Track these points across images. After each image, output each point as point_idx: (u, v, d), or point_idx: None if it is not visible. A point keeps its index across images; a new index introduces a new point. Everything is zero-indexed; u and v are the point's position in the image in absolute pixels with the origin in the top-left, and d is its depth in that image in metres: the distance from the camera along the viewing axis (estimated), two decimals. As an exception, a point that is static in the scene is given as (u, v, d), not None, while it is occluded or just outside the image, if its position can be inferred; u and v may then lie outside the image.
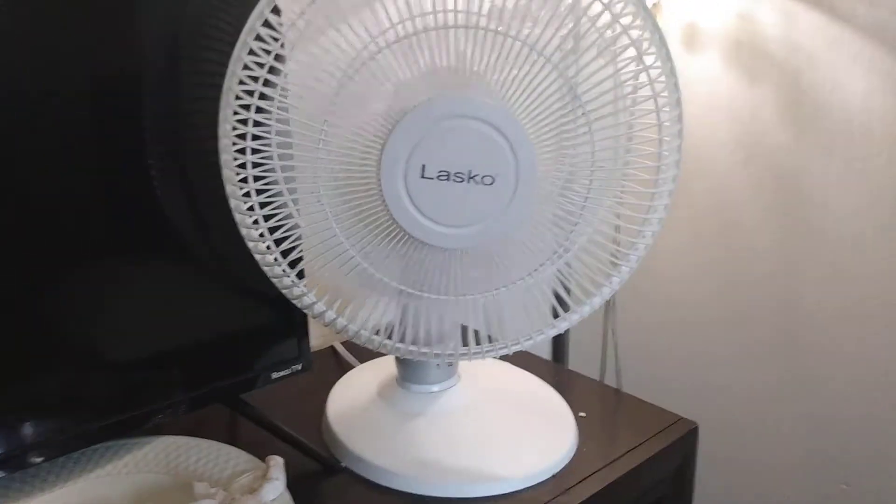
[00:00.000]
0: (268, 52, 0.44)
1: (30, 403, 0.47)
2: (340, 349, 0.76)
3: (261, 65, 0.44)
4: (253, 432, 0.58)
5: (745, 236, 0.88)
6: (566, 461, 0.57)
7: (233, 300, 0.55)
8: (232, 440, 0.55)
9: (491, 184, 0.46)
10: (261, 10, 0.44)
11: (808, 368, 0.86)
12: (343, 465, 0.56)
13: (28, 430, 0.46)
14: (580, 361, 1.05)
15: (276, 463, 0.49)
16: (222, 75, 0.45)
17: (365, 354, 0.72)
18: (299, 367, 0.59)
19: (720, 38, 0.83)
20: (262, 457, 0.52)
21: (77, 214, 0.47)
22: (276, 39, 0.44)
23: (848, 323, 0.81)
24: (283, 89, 0.45)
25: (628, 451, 0.59)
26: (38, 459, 0.47)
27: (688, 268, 0.95)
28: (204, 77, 0.49)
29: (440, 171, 0.45)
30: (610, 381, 1.05)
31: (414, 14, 0.44)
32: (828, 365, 0.84)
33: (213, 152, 0.47)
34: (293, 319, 0.58)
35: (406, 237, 0.47)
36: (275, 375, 0.57)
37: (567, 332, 1.01)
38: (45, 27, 0.43)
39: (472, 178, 0.45)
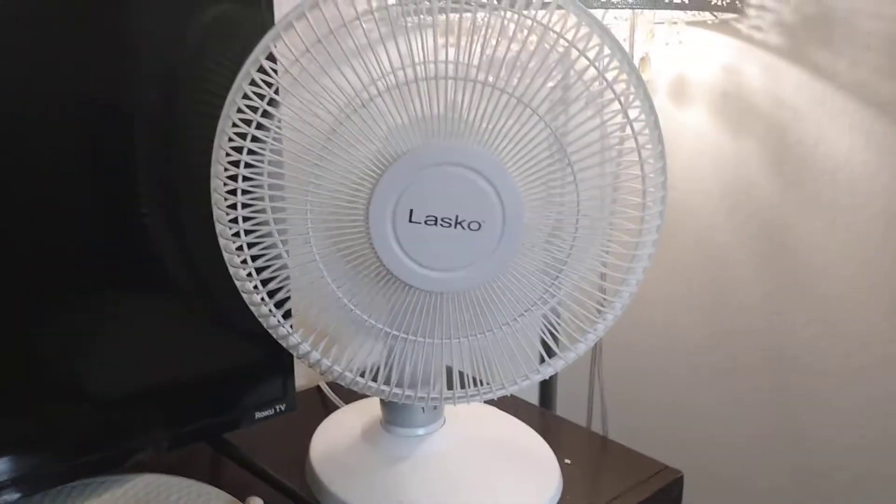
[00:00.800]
0: (261, 97, 0.45)
1: (9, 438, 0.46)
2: (326, 390, 0.76)
3: (254, 109, 0.45)
4: (236, 472, 0.58)
5: (732, 285, 0.89)
6: (550, 509, 0.57)
7: (218, 339, 0.55)
8: (214, 480, 0.54)
9: (478, 230, 0.46)
10: (256, 56, 0.45)
11: (794, 420, 0.85)
12: (324, 508, 0.56)
13: (6, 465, 0.46)
14: (568, 407, 1.04)
15: (256, 505, 0.48)
16: (216, 116, 0.46)
17: (350, 395, 0.72)
18: (283, 407, 0.58)
19: (707, 90, 0.86)
20: (243, 497, 0.51)
21: (61, 250, 0.47)
22: (269, 85, 0.45)
23: (835, 375, 0.81)
24: (275, 132, 0.46)
25: (612, 500, 0.58)
26: (15, 496, 0.47)
27: (675, 317, 0.95)
28: (199, 117, 0.50)
29: (428, 216, 0.46)
30: (597, 427, 1.04)
31: (407, 64, 0.45)
32: (814, 417, 0.84)
33: (204, 191, 0.48)
34: (279, 359, 0.58)
35: (393, 280, 0.48)
36: (259, 415, 0.57)
37: (555, 378, 1.02)
38: (37, 58, 0.44)
39: (459, 223, 0.46)
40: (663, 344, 0.97)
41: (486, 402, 0.58)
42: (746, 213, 0.85)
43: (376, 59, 0.45)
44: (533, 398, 1.03)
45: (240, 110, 0.45)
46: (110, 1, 0.46)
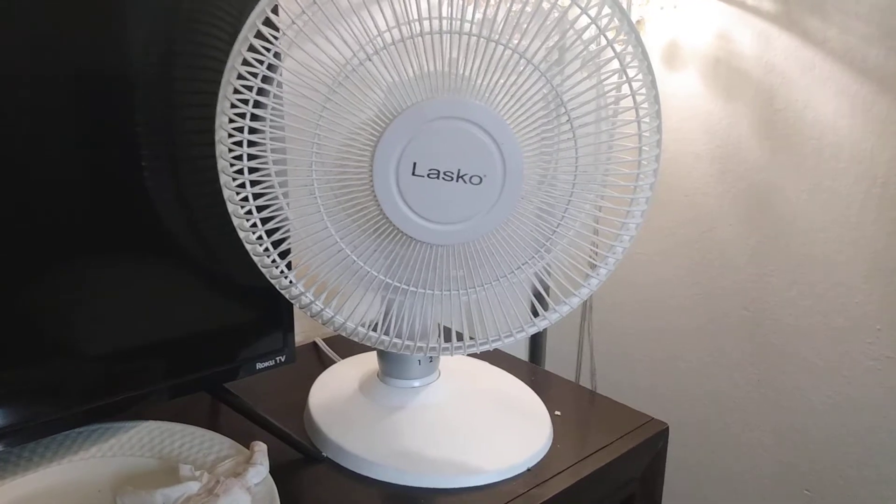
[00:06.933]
0: (267, 50, 0.46)
1: (17, 386, 0.47)
2: (322, 345, 0.77)
3: (260, 62, 0.46)
4: (235, 422, 0.59)
5: (719, 247, 0.91)
6: (541, 456, 0.59)
7: (220, 292, 0.56)
8: (215, 427, 0.55)
9: (479, 184, 0.47)
10: (262, 8, 0.45)
11: (774, 378, 0.89)
12: (324, 455, 0.57)
13: (15, 411, 0.47)
14: (556, 364, 1.07)
15: (261, 449, 0.50)
16: (217, 70, 0.47)
17: (346, 351, 0.74)
18: (283, 358, 0.60)
19: (699, 55, 0.87)
20: (243, 445, 0.53)
21: (65, 205, 0.47)
22: (275, 38, 0.45)
23: (814, 334, 0.84)
24: (278, 85, 0.47)
25: (600, 449, 0.61)
26: (22, 440, 0.48)
27: (663, 275, 0.97)
28: (199, 71, 0.51)
29: (430, 170, 0.47)
30: (585, 383, 1.07)
31: (404, 20, 0.46)
32: (794, 375, 0.87)
33: (204, 146, 0.49)
34: (279, 312, 0.59)
35: (394, 232, 0.49)
36: (259, 366, 0.58)
37: (545, 335, 1.04)
38: (33, 22, 0.44)
39: (461, 177, 0.47)
40: (649, 302, 1.00)
41: (480, 354, 0.59)
42: (734, 175, 0.87)
43: (376, 15, 0.46)
44: (522, 354, 1.05)
45: (245, 62, 0.46)
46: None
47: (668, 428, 0.65)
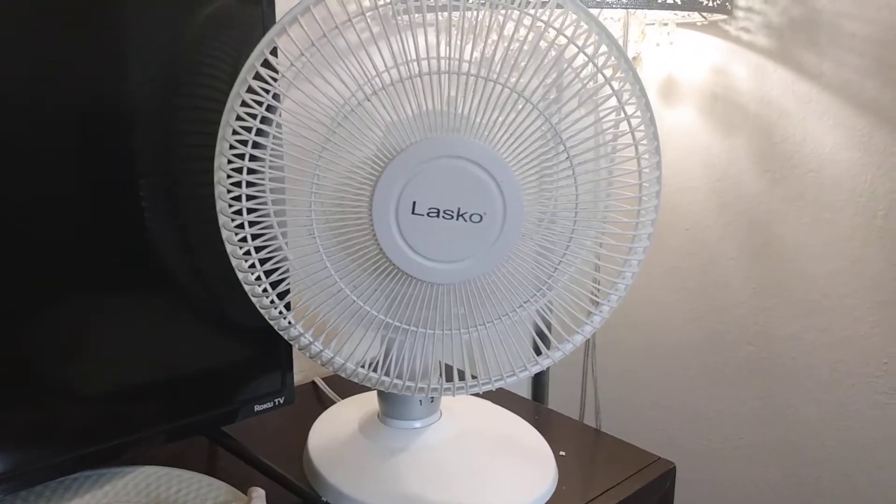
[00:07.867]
0: (266, 91, 0.46)
1: (9, 431, 0.46)
2: (321, 385, 0.76)
3: (259, 103, 0.46)
4: (233, 465, 0.58)
5: (720, 279, 0.90)
6: (546, 498, 0.57)
7: (218, 333, 0.56)
8: (212, 471, 0.54)
9: (479, 221, 0.47)
10: (261, 50, 0.46)
11: (780, 414, 0.87)
12: (324, 500, 0.56)
13: (7, 457, 0.46)
14: (560, 402, 1.05)
15: (259, 495, 0.49)
16: (216, 110, 0.47)
17: (345, 391, 0.73)
18: (282, 400, 0.59)
19: (696, 91, 0.87)
20: (241, 490, 0.52)
21: (60, 244, 0.47)
22: (274, 79, 0.46)
23: (819, 368, 0.83)
24: (277, 126, 0.47)
25: (607, 490, 0.59)
26: (15, 488, 0.47)
27: (664, 312, 0.97)
28: (199, 112, 0.51)
29: (430, 209, 0.47)
30: (589, 420, 1.05)
31: (402, 60, 0.46)
32: (800, 411, 0.85)
33: (203, 185, 0.48)
34: (277, 353, 0.58)
35: (394, 272, 0.49)
36: (258, 408, 0.57)
37: (547, 372, 1.03)
38: (35, 57, 0.44)
39: (461, 215, 0.47)
40: (652, 339, 0.99)
41: (482, 394, 0.59)
42: (734, 210, 0.87)
43: (375, 56, 0.46)
44: (525, 393, 1.04)
45: (244, 103, 0.46)
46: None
47: (675, 467, 0.63)
